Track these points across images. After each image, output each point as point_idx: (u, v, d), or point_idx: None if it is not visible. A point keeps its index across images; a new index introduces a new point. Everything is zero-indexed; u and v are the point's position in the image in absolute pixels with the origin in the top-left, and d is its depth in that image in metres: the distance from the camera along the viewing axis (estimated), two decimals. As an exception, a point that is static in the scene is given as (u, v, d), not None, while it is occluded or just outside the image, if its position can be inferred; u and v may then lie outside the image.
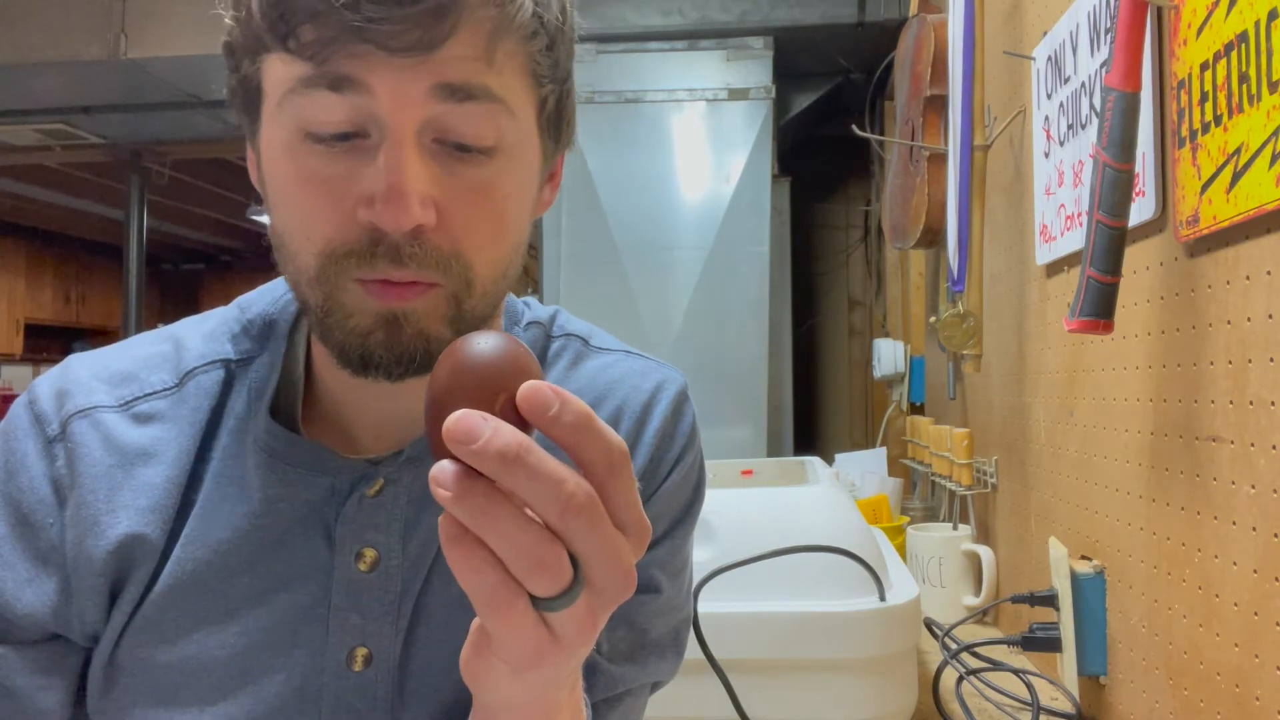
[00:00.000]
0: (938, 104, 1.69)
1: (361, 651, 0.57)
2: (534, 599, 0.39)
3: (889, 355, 2.46)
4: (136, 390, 0.60)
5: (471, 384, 0.39)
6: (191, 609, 0.57)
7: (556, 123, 0.58)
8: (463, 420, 0.36)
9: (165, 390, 0.60)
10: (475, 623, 0.45)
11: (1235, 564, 0.76)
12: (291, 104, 0.50)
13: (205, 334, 0.63)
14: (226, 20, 0.52)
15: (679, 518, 0.66)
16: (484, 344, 0.40)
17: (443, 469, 0.37)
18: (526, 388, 0.38)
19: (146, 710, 0.56)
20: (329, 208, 0.50)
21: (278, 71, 0.50)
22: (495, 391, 0.38)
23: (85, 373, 0.60)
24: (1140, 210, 0.88)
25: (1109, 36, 0.84)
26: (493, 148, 0.51)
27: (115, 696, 0.57)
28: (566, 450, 0.38)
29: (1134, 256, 0.92)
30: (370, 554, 0.58)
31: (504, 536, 0.37)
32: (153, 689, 0.56)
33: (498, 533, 0.37)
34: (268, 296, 0.64)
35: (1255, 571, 0.73)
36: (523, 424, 0.38)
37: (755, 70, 2.70)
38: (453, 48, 0.48)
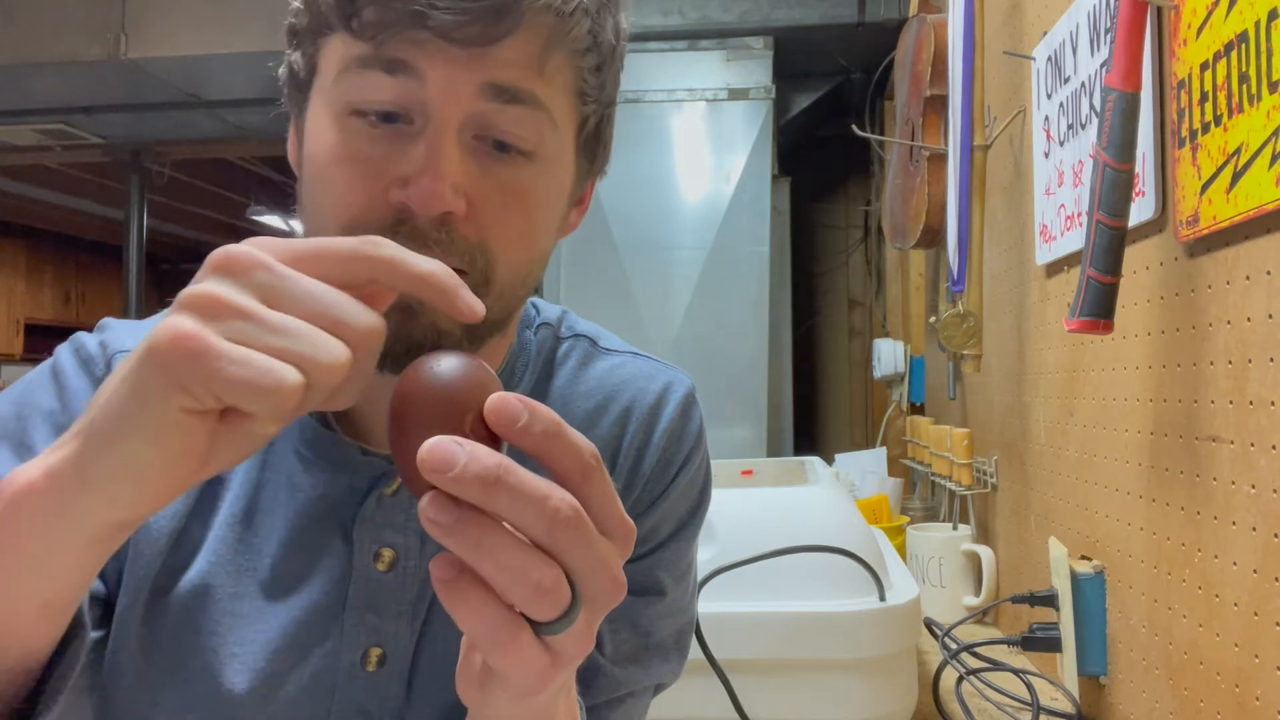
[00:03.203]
0: (938, 104, 1.69)
1: (376, 652, 0.57)
2: (535, 625, 0.38)
3: (889, 355, 2.46)
4: None
5: (439, 408, 0.37)
6: (210, 606, 0.56)
7: (594, 144, 0.59)
8: (437, 448, 0.35)
9: None
10: (466, 651, 0.43)
11: (1235, 564, 0.76)
12: (344, 81, 0.51)
13: None
14: (293, 3, 0.54)
15: (685, 520, 0.66)
16: (444, 364, 0.38)
17: (430, 502, 0.35)
18: (494, 400, 0.37)
19: (162, 707, 0.56)
20: (363, 184, 0.51)
21: (337, 52, 0.52)
22: (463, 411, 0.37)
23: (124, 331, 0.61)
24: (1140, 210, 0.88)
25: (1109, 36, 0.84)
26: (531, 152, 0.52)
27: (130, 683, 0.56)
28: (539, 460, 0.37)
29: (1134, 256, 0.92)
30: (388, 554, 0.58)
31: (501, 566, 0.36)
32: (170, 684, 0.56)
33: (495, 562, 0.36)
34: None
35: (1255, 571, 0.73)
36: (493, 439, 0.37)
37: (755, 70, 2.70)
38: (507, 50, 0.50)
